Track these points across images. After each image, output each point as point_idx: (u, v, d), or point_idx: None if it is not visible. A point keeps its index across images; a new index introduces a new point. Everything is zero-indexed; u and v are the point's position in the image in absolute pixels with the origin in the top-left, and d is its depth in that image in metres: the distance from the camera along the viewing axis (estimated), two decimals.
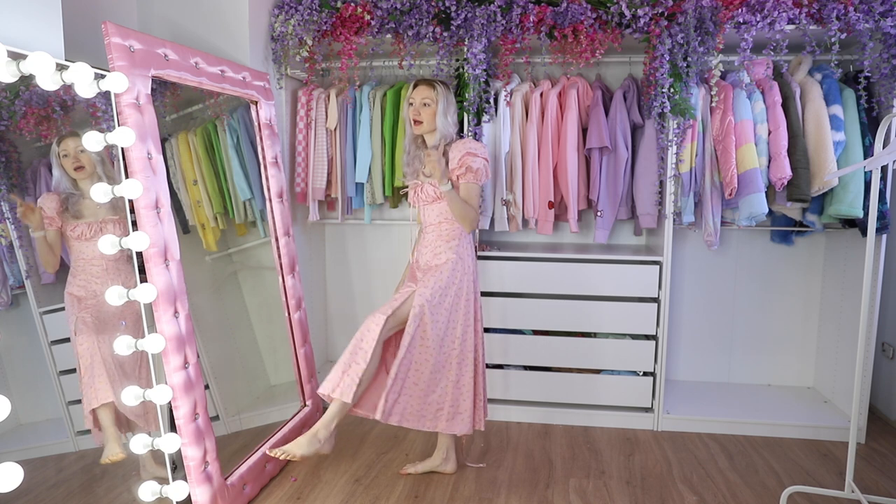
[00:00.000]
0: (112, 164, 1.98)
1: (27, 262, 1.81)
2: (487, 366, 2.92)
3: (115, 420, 1.97)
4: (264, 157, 2.55)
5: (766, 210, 2.57)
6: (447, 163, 2.20)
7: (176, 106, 2.34)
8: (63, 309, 1.90)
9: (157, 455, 2.04)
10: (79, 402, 1.94)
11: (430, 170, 2.14)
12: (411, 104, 2.23)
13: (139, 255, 1.82)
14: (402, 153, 2.35)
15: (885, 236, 2.57)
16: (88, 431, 1.95)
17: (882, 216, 2.51)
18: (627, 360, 2.83)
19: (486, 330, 2.92)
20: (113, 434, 1.98)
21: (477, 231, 2.95)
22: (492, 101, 2.74)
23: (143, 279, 1.84)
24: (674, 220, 2.72)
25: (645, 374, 2.83)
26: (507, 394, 2.92)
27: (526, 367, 2.94)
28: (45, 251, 1.87)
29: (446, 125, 2.22)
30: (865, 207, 2.48)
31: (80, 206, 1.92)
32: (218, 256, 2.58)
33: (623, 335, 2.87)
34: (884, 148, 1.94)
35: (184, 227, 2.39)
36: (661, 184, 2.73)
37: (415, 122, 2.22)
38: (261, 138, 2.54)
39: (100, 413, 1.95)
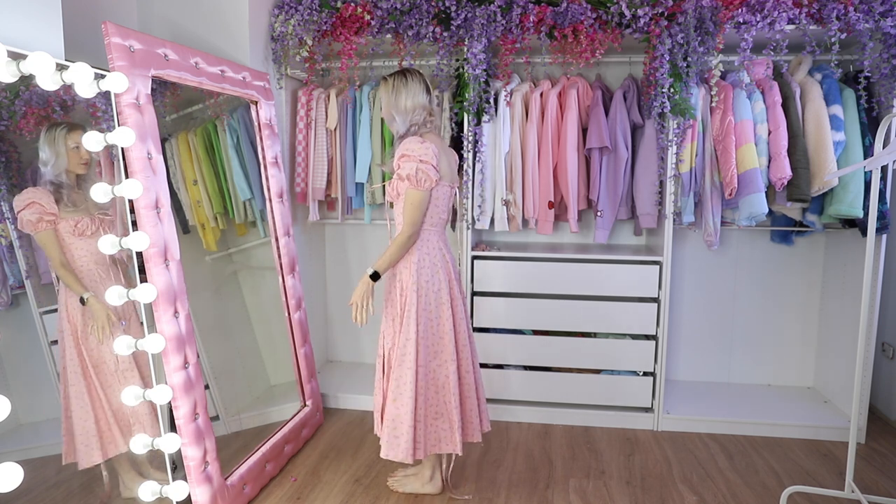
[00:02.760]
0: (99, 163, 1.97)
1: (27, 262, 1.81)
2: (487, 366, 2.93)
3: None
4: (264, 157, 2.55)
5: (766, 210, 2.57)
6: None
7: (176, 106, 2.34)
8: None
9: (137, 467, 2.05)
10: None
11: (362, 303, 2.06)
12: None
13: (139, 255, 1.82)
14: None
15: (885, 236, 2.57)
16: None
17: (882, 216, 2.51)
18: (627, 360, 2.83)
19: (486, 330, 2.92)
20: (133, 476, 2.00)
21: (469, 231, 2.95)
22: (492, 101, 2.74)
23: (143, 279, 1.84)
24: (674, 220, 2.71)
25: (645, 374, 2.83)
26: (507, 394, 2.92)
27: (526, 367, 2.94)
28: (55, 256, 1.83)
29: (391, 119, 2.08)
30: (865, 207, 2.48)
31: (74, 198, 1.85)
32: (218, 256, 2.58)
33: (623, 335, 2.87)
34: (884, 148, 1.94)
35: (184, 227, 2.39)
36: (661, 184, 2.73)
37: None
38: (261, 138, 2.54)
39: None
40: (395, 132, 2.10)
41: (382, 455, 2.08)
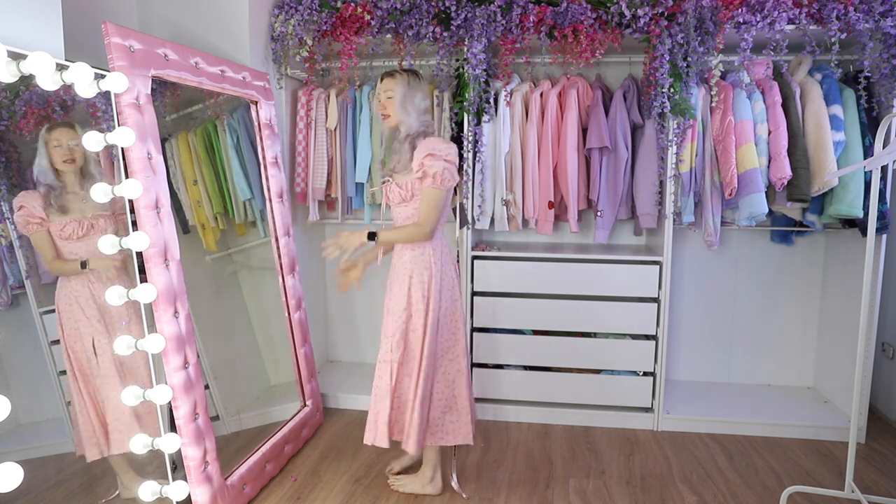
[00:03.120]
0: (100, 164, 1.96)
1: (27, 262, 1.81)
2: (487, 366, 2.93)
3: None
4: (264, 157, 2.55)
5: (766, 210, 2.57)
6: (410, 158, 2.05)
7: (176, 106, 2.34)
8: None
9: (137, 467, 2.04)
10: None
11: (342, 247, 2.08)
12: (378, 97, 2.11)
13: (139, 255, 1.82)
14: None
15: (885, 236, 2.57)
16: None
17: (882, 216, 2.51)
18: (627, 360, 2.83)
19: (486, 330, 2.92)
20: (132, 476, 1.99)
21: (469, 232, 2.94)
22: (492, 101, 2.74)
23: (143, 279, 1.84)
24: (674, 220, 2.71)
25: (645, 374, 2.83)
26: (507, 394, 2.92)
27: (526, 367, 2.94)
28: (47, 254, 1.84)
29: (405, 114, 2.06)
30: (865, 207, 2.48)
31: (65, 201, 1.84)
32: (218, 256, 2.58)
33: (623, 335, 2.87)
34: (884, 148, 1.94)
35: (184, 227, 2.39)
36: (661, 184, 2.73)
37: (382, 116, 2.11)
38: (261, 138, 2.54)
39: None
40: (405, 128, 2.07)
41: (413, 452, 2.11)
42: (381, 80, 2.12)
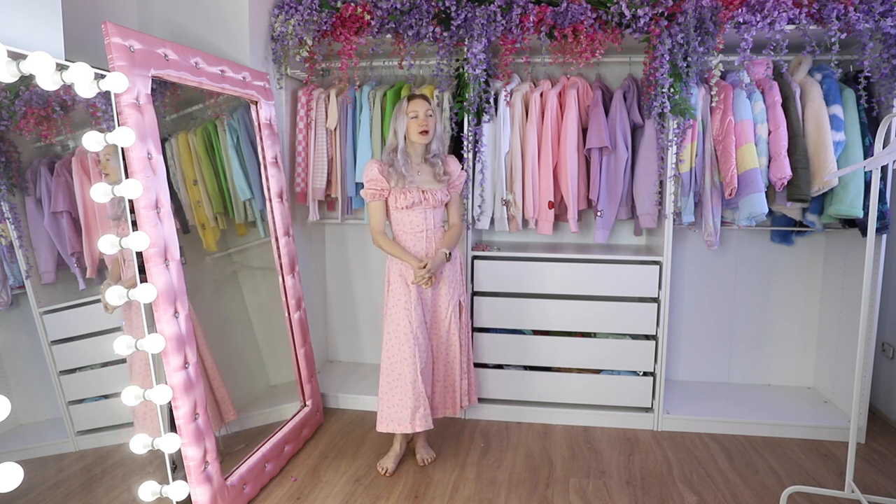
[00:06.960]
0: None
1: (27, 262, 1.81)
2: (486, 366, 2.94)
3: None
4: (264, 157, 2.55)
5: (766, 210, 2.57)
6: (444, 171, 2.39)
7: (176, 106, 2.34)
8: (62, 309, 1.90)
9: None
10: (80, 401, 1.94)
11: (431, 272, 2.33)
12: (414, 117, 2.30)
13: (139, 254, 1.82)
14: (394, 160, 2.34)
15: (885, 236, 2.57)
16: (88, 431, 1.95)
17: (882, 216, 2.51)
18: (627, 360, 2.83)
19: (486, 330, 2.93)
20: None
21: (469, 231, 2.95)
22: (492, 101, 2.74)
23: (144, 279, 1.84)
24: (674, 220, 2.71)
25: (645, 374, 2.83)
26: (507, 394, 2.92)
27: (526, 367, 2.94)
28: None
29: (437, 135, 2.39)
30: (865, 207, 2.48)
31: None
32: (218, 256, 2.58)
33: (623, 335, 2.87)
34: (884, 148, 1.94)
35: (184, 227, 2.39)
36: (661, 184, 2.73)
37: (424, 132, 2.31)
38: (261, 138, 2.54)
39: None
40: (433, 147, 2.36)
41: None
42: (410, 99, 2.32)
